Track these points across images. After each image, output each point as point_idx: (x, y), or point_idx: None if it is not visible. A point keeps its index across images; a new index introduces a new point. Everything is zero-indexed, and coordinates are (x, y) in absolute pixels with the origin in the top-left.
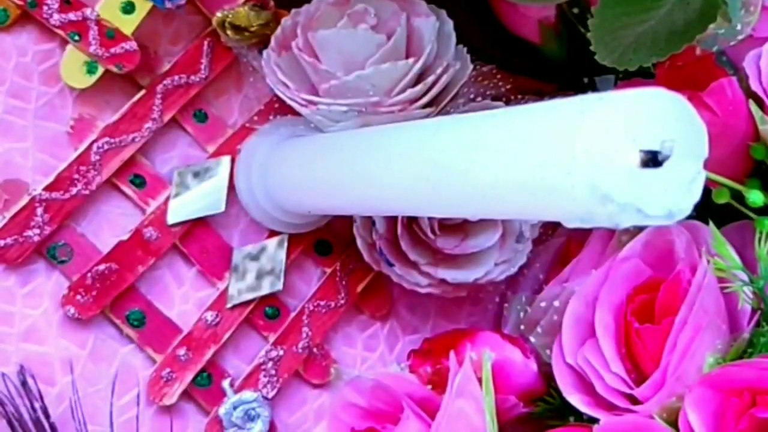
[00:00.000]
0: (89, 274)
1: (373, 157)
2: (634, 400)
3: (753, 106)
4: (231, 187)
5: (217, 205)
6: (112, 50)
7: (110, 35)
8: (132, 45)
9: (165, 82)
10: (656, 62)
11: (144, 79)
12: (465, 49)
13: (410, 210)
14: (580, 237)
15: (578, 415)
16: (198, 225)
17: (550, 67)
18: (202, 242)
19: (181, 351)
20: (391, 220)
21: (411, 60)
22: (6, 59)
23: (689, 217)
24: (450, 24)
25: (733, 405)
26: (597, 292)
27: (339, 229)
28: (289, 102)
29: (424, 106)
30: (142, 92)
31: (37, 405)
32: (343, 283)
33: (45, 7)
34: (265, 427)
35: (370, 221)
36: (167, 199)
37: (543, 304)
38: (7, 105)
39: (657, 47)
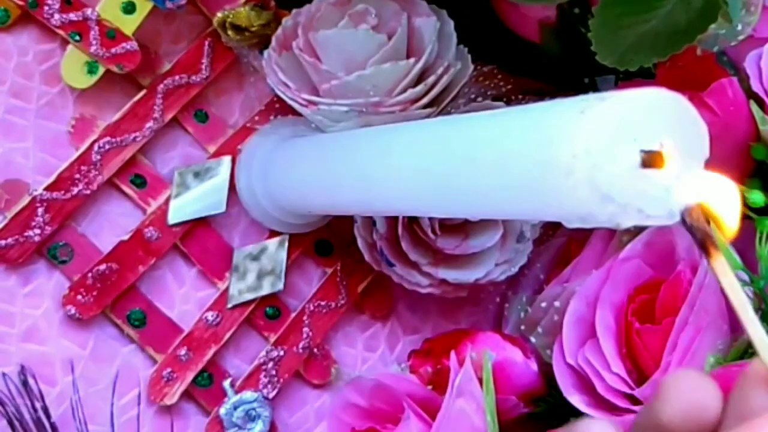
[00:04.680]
0: (90, 274)
1: (373, 157)
2: (635, 401)
3: (754, 107)
4: (232, 188)
5: (217, 206)
6: (113, 50)
7: (111, 35)
8: (133, 45)
9: (166, 82)
10: (657, 62)
11: (145, 79)
12: (466, 49)
13: (411, 210)
14: (580, 237)
15: (578, 416)
16: (199, 225)
17: (550, 67)
18: (202, 242)
19: (182, 351)
20: (392, 221)
21: (412, 60)
22: (7, 59)
23: None
24: (451, 24)
25: None
26: (598, 293)
27: (340, 230)
28: (289, 102)
29: (425, 106)
30: (143, 92)
31: (38, 405)
32: (344, 283)
33: (46, 7)
34: (265, 428)
35: (370, 221)
36: (168, 199)
37: (543, 305)
38: (8, 105)
39: (658, 47)
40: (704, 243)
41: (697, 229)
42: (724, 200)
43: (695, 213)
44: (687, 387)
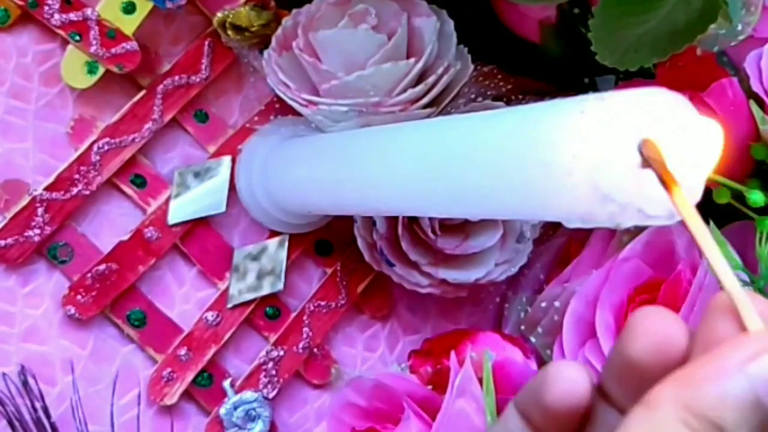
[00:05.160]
0: (90, 274)
1: (373, 157)
2: None
3: (754, 107)
4: (232, 188)
5: (217, 206)
6: (113, 50)
7: (111, 35)
8: (133, 45)
9: (165, 82)
10: (657, 62)
11: (144, 80)
12: (466, 49)
13: (411, 210)
14: (580, 237)
15: None
16: (199, 225)
17: (550, 67)
18: (202, 242)
19: (182, 351)
20: (392, 221)
21: (412, 60)
22: (6, 60)
23: None
24: (451, 24)
25: None
26: (598, 293)
27: (340, 230)
28: (289, 102)
29: (425, 107)
30: (143, 92)
31: (38, 405)
32: (344, 283)
33: (46, 7)
34: (265, 428)
35: (370, 221)
36: (168, 199)
37: (544, 305)
38: (7, 105)
39: (658, 47)
40: (661, 176)
41: (653, 161)
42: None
43: (649, 146)
44: (653, 322)
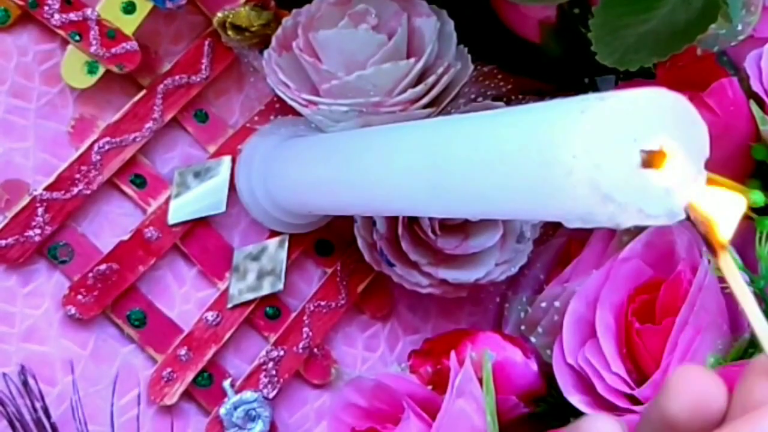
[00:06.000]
0: (90, 274)
1: (373, 157)
2: (635, 401)
3: (754, 107)
4: (232, 188)
5: (217, 206)
6: (113, 50)
7: (111, 35)
8: (133, 45)
9: (166, 82)
10: (657, 62)
11: (145, 79)
12: (466, 49)
13: (411, 210)
14: (581, 237)
15: (578, 416)
16: (199, 225)
17: (550, 67)
18: (202, 242)
19: (182, 351)
20: (392, 221)
21: (412, 60)
22: (7, 59)
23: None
24: (451, 24)
25: None
26: (598, 293)
27: (340, 230)
28: (289, 102)
29: (425, 106)
30: (143, 92)
31: (38, 405)
32: (344, 283)
33: (46, 7)
34: (265, 428)
35: (370, 221)
36: (168, 199)
37: (544, 305)
38: (8, 105)
39: (658, 47)
40: (708, 238)
41: (700, 224)
42: (722, 208)
43: (695, 210)
44: (693, 381)
